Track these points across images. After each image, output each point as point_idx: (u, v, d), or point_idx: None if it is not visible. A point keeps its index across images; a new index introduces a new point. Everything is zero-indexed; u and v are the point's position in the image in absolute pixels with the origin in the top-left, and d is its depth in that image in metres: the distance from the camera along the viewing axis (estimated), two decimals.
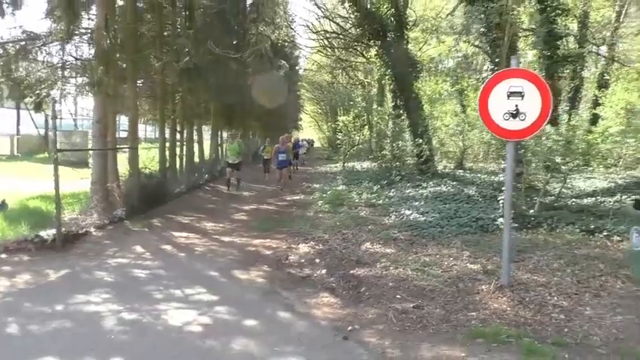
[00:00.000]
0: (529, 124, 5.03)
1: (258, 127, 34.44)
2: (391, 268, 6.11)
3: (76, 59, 8.28)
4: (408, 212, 9.78)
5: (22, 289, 5.20)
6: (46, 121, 22.07)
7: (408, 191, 12.50)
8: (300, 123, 55.76)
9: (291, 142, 17.70)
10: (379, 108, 23.37)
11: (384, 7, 14.95)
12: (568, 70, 18.80)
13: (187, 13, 13.89)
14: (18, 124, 24.32)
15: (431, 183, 13.09)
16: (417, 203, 10.66)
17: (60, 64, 8.40)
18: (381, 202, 11.48)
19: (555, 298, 4.91)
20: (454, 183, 13.04)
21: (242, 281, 5.84)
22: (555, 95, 17.69)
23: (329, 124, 49.93)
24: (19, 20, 9.88)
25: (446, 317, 4.55)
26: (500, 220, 8.35)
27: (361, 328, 4.42)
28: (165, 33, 12.03)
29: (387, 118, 19.53)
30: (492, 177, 14.16)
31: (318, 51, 28.13)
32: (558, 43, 16.79)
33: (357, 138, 24.25)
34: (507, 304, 4.79)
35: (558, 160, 8.19)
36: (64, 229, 7.15)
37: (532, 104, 4.98)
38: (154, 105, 13.58)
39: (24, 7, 8.71)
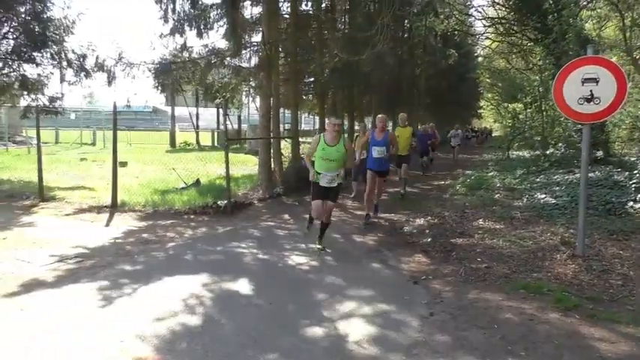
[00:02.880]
0: (604, 107, 5.42)
1: (428, 118, 35.00)
2: (486, 239, 6.87)
3: (245, 68, 10.57)
4: (541, 196, 10.02)
5: (199, 236, 7.38)
6: (239, 117, 26.09)
7: (555, 177, 12.38)
8: (480, 111, 54.28)
9: (405, 126, 11.28)
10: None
11: None
12: None
13: (347, 16, 15.65)
14: (218, 120, 29.18)
15: None
16: (557, 188, 10.71)
17: (234, 72, 10.80)
18: (521, 186, 11.70)
19: (625, 268, 5.28)
20: (610, 169, 12.47)
21: (356, 242, 7.21)
22: None
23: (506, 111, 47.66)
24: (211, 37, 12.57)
25: (507, 275, 5.33)
26: (631, 203, 8.29)
27: (433, 278, 5.45)
28: (325, 37, 13.81)
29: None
30: None
31: (487, 37, 27.71)
32: None
33: (527, 124, 23.48)
34: (572, 269, 5.33)
35: None
36: (234, 200, 9.43)
37: (607, 89, 5.36)
38: (317, 100, 15.56)
39: (214, 28, 11.40)
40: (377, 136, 8.40)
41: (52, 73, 13.39)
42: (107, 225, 8.10)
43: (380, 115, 8.91)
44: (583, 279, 5.05)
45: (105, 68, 11.08)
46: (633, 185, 8.40)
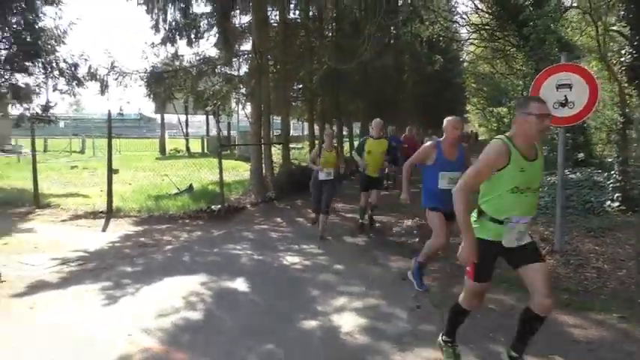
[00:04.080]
0: (577, 111, 5.78)
1: (416, 122, 35.37)
2: None
3: (235, 76, 10.89)
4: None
5: (195, 239, 7.63)
6: (229, 124, 26.33)
7: None
8: (466, 115, 55.02)
9: (380, 138, 7.89)
10: None
11: None
12: None
13: (334, 24, 16.01)
14: (207, 127, 29.41)
15: (566, 171, 13.12)
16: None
17: (225, 80, 11.12)
18: None
19: (600, 262, 5.62)
20: (591, 170, 12.91)
21: (347, 243, 7.49)
22: None
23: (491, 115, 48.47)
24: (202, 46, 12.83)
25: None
26: (608, 202, 8.69)
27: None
28: (313, 45, 14.16)
29: None
30: None
31: (471, 43, 28.30)
32: None
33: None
34: (550, 264, 5.64)
35: None
36: (227, 204, 9.70)
37: (580, 94, 5.72)
38: (306, 106, 15.88)
39: (204, 37, 11.69)
40: (447, 152, 4.86)
41: (45, 82, 13.53)
42: (104, 230, 8.31)
43: (453, 119, 4.89)
44: (560, 272, 5.39)
45: (97, 77, 11.33)
46: (610, 185, 8.79)
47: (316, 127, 17.86)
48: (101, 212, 9.48)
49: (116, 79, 11.01)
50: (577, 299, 4.58)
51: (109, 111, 9.58)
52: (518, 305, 4.50)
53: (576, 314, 4.26)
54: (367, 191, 8.04)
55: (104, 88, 11.04)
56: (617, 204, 8.42)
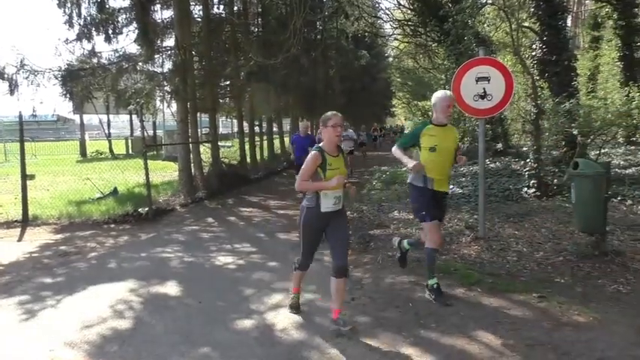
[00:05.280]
0: (496, 103, 6.07)
1: (346, 118, 35.81)
2: (401, 228, 7.39)
3: (159, 73, 10.53)
4: (449, 187, 10.79)
5: (121, 244, 7.31)
6: (154, 123, 25.44)
7: (461, 169, 13.38)
8: (393, 110, 56.34)
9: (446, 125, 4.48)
10: None
11: None
12: None
13: (260, 19, 15.85)
14: (131, 127, 28.28)
15: (487, 161, 13.79)
16: (463, 179, 11.60)
17: (148, 78, 10.70)
18: None
19: (519, 246, 5.95)
20: (509, 159, 13.67)
21: (280, 240, 7.46)
22: (632, 67, 17.09)
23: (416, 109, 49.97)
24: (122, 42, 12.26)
25: (419, 259, 5.79)
26: (525, 189, 9.22)
27: (354, 267, 5.80)
28: (239, 40, 13.95)
29: None
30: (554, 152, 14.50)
31: (395, 39, 29.07)
32: (636, 11, 16.42)
33: None
34: (475, 250, 5.93)
35: (575, 132, 8.78)
36: (155, 206, 9.36)
37: (497, 87, 6.00)
38: (235, 104, 15.64)
39: (123, 33, 11.17)
40: None
41: None
42: (20, 240, 7.79)
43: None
44: (484, 257, 5.65)
45: (5, 76, 10.49)
46: (526, 173, 9.34)
47: (245, 124, 17.65)
48: (16, 221, 8.87)
49: (27, 77, 10.26)
50: (500, 282, 4.82)
51: (20, 113, 8.94)
52: (447, 291, 4.68)
53: (500, 296, 4.48)
54: (437, 219, 4.67)
55: (13, 87, 10.25)
56: (532, 190, 8.96)
